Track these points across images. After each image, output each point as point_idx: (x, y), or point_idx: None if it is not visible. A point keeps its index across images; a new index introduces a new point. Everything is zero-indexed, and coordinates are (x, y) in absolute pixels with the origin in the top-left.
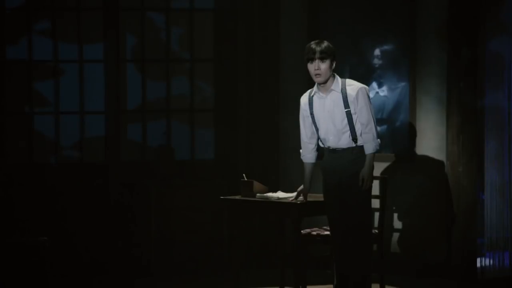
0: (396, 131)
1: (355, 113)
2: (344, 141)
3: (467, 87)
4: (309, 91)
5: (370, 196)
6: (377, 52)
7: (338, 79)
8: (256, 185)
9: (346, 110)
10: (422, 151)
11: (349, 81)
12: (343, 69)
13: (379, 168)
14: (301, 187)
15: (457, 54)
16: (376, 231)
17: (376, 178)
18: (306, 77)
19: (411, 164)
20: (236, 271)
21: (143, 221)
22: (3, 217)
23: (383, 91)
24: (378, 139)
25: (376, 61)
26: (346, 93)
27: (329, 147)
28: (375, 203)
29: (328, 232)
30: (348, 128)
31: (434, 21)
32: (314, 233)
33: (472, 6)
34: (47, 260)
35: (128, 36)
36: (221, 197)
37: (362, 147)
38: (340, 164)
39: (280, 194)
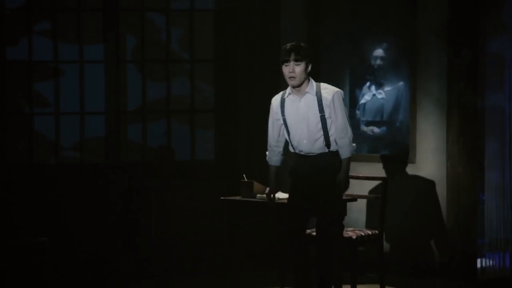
0: (396, 132)
1: (330, 117)
2: (317, 146)
3: (467, 88)
4: (281, 93)
5: (342, 200)
6: (377, 53)
7: (313, 83)
8: (256, 185)
9: (320, 114)
10: (422, 152)
11: (324, 85)
12: (343, 70)
13: (379, 169)
14: (267, 189)
15: (457, 55)
16: (377, 231)
17: (376, 179)
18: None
19: (411, 165)
20: (236, 272)
21: (143, 221)
22: (3, 218)
23: (383, 92)
24: (354, 144)
25: (376, 62)
26: (321, 96)
27: (300, 151)
28: (376, 204)
29: None
30: (322, 133)
31: (434, 22)
32: (315, 233)
33: (472, 7)
34: (48, 260)
35: (128, 36)
36: (222, 197)
37: (334, 152)
38: (312, 170)
39: (280, 195)
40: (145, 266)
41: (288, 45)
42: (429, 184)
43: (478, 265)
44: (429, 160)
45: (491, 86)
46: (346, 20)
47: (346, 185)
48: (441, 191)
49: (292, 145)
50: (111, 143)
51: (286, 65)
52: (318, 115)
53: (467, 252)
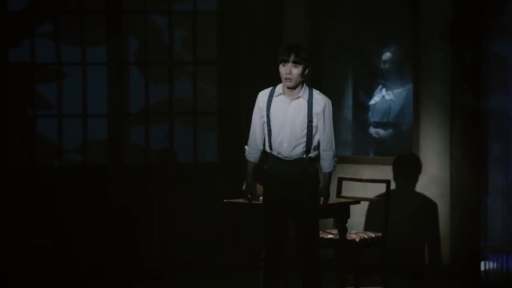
0: (400, 134)
1: (316, 126)
2: (297, 151)
3: (471, 90)
4: (270, 89)
5: (318, 209)
6: (380, 55)
7: (307, 88)
8: (259, 188)
9: (308, 121)
10: (425, 154)
11: (316, 92)
12: (346, 72)
13: (383, 171)
14: (244, 186)
15: (460, 57)
16: (380, 234)
17: (379, 181)
18: (310, 79)
19: (414, 167)
20: (239, 274)
21: (146, 224)
22: (6, 220)
23: (387, 95)
24: (336, 158)
25: (379, 64)
26: (312, 104)
27: (279, 153)
28: (380, 206)
29: (331, 236)
30: (305, 139)
31: (437, 24)
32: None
33: (475, 9)
34: (50, 262)
35: (131, 38)
36: (224, 200)
37: (311, 159)
38: (289, 176)
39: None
40: (148, 268)
41: (289, 45)
42: (433, 186)
43: (482, 268)
44: (432, 162)
45: (494, 88)
46: (348, 22)
47: (327, 199)
48: (445, 193)
49: (270, 146)
50: (113, 145)
51: (283, 65)
52: (306, 121)
53: (470, 254)
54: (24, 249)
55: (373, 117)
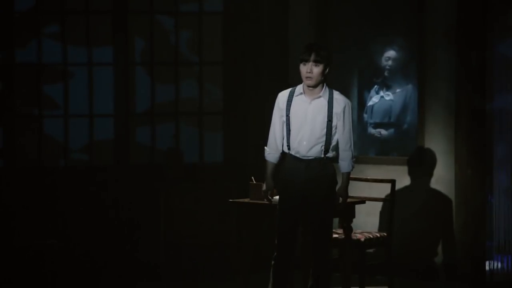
0: (404, 134)
1: (335, 126)
2: (315, 151)
3: (476, 90)
4: (290, 89)
5: (333, 211)
6: (385, 55)
7: (327, 88)
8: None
9: (328, 120)
10: (430, 154)
11: (336, 93)
12: (351, 72)
13: (387, 171)
14: (264, 186)
15: (465, 57)
16: (385, 234)
17: (384, 181)
18: None
19: (419, 167)
20: (244, 275)
21: (151, 224)
22: (12, 220)
23: (391, 94)
24: (354, 158)
25: (384, 64)
26: (332, 104)
27: (297, 153)
28: (384, 206)
29: (337, 235)
30: (324, 139)
31: (442, 24)
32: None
33: (480, 9)
34: (56, 263)
35: (137, 39)
36: (230, 200)
37: (329, 159)
38: (306, 175)
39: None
40: (154, 268)
41: (310, 44)
42: (438, 186)
43: (487, 268)
44: (437, 162)
45: (499, 88)
46: (354, 23)
47: (346, 200)
48: (450, 193)
49: (288, 145)
50: (120, 145)
51: (304, 64)
52: (326, 121)
53: (475, 254)
54: (30, 249)
55: (372, 118)
